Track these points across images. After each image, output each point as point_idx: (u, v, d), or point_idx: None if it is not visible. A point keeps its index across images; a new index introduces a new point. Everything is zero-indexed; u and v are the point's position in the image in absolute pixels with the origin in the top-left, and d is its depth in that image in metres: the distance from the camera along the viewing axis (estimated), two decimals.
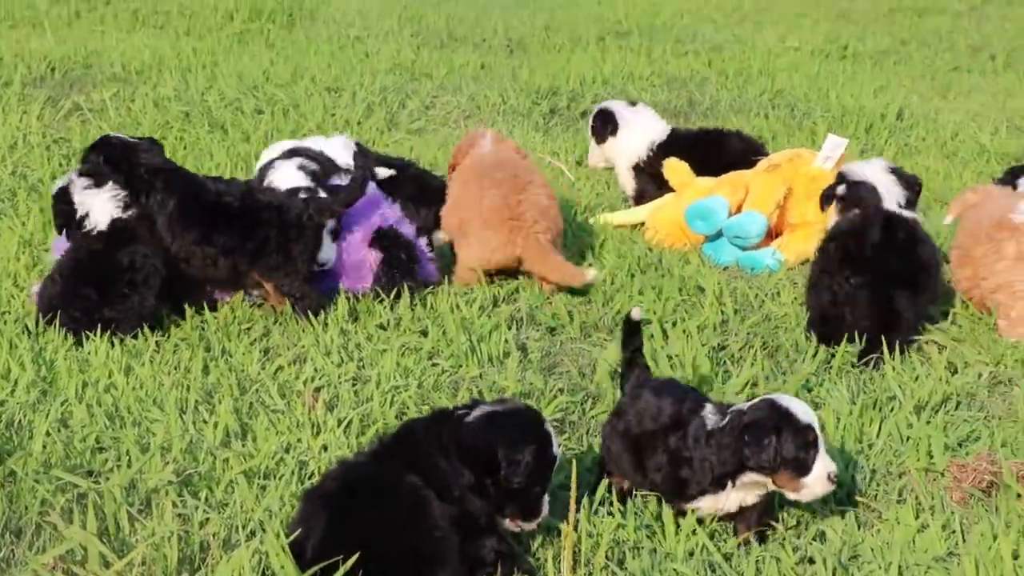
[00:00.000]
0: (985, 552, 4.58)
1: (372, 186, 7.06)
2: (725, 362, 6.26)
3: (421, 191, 7.71)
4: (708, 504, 4.64)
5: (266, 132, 9.87)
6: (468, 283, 7.10)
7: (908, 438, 5.52)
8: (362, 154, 6.91)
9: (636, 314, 5.08)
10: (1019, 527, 4.77)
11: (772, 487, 4.58)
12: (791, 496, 4.61)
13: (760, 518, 4.71)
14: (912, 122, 11.31)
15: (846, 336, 6.37)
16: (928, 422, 5.65)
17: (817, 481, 4.50)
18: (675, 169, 8.09)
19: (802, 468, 4.48)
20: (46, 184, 8.36)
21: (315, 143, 7.45)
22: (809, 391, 5.97)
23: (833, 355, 6.31)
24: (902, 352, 6.36)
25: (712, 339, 6.47)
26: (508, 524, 4.48)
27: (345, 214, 6.81)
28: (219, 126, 10.09)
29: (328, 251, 6.78)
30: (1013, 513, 4.91)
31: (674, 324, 6.56)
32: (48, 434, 5.19)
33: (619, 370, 5.26)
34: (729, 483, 4.56)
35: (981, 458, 5.23)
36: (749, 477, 4.55)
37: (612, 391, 5.84)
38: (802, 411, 4.51)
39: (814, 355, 6.30)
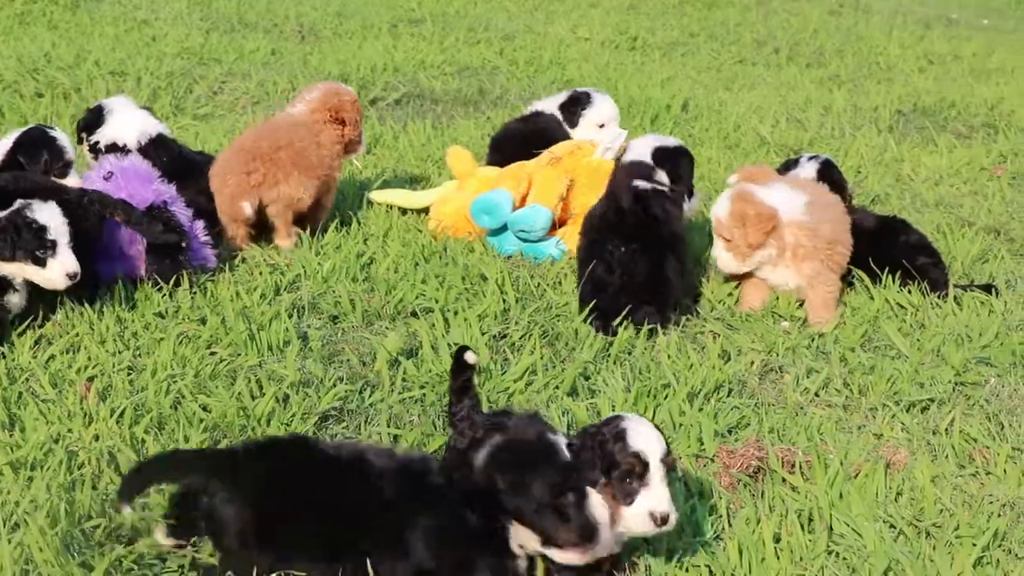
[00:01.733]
0: (748, 536, 4.71)
1: (143, 162, 7.01)
2: (505, 350, 6.31)
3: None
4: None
5: (45, 116, 9.67)
6: (233, 237, 7.46)
7: (680, 425, 5.64)
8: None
9: (471, 358, 4.70)
10: (781, 511, 4.92)
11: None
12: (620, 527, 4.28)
13: (613, 567, 4.49)
14: (697, 113, 11.53)
15: (623, 323, 6.53)
16: (700, 409, 5.78)
17: (637, 517, 4.22)
18: (458, 158, 8.13)
19: (622, 497, 4.22)
20: None
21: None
22: (587, 379, 6.05)
23: (611, 343, 6.41)
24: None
25: (493, 327, 6.51)
26: None
27: (118, 188, 6.76)
28: None
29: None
30: (777, 498, 5.06)
31: (456, 313, 6.59)
32: None
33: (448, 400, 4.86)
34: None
35: (749, 444, 5.39)
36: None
37: (389, 379, 5.85)
38: (640, 439, 4.22)
39: (591, 343, 6.38)
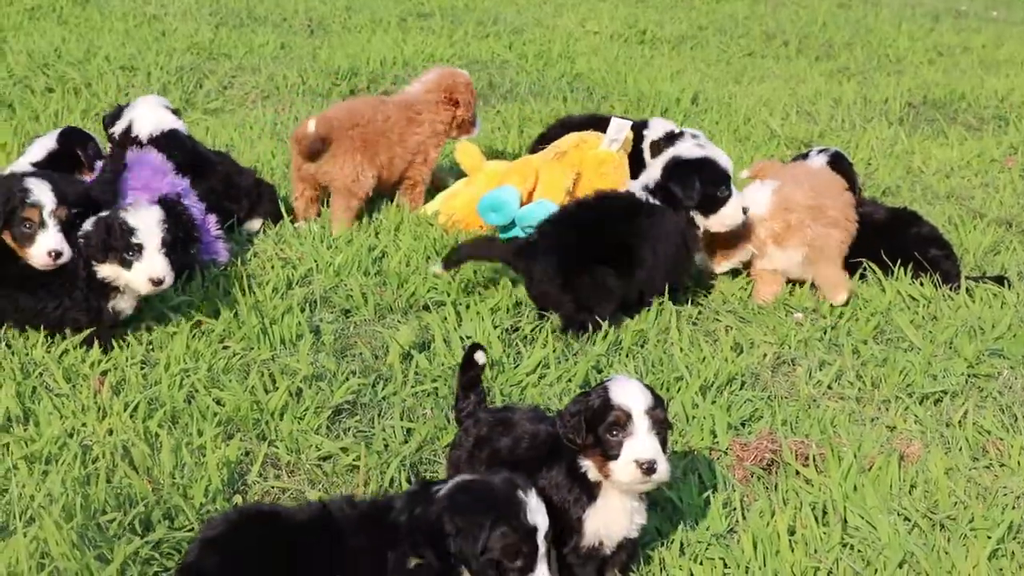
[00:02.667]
0: (762, 528, 4.71)
1: (157, 155, 7.01)
2: (517, 344, 6.30)
3: (227, 187, 7.61)
4: (597, 525, 4.31)
5: (56, 111, 9.66)
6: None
7: (693, 417, 5.64)
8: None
9: (480, 359, 4.74)
10: (795, 504, 4.92)
11: (595, 473, 4.27)
12: (612, 484, 4.24)
13: (629, 560, 4.48)
14: (706, 107, 11.51)
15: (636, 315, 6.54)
16: (713, 402, 5.78)
17: (623, 467, 4.14)
18: (467, 153, 8.12)
19: (608, 450, 4.18)
20: None
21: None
22: (599, 372, 6.04)
23: (623, 336, 6.41)
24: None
25: (505, 321, 6.52)
26: None
27: (132, 178, 6.76)
28: (6, 104, 9.84)
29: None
30: (790, 491, 5.05)
31: (468, 306, 6.59)
32: None
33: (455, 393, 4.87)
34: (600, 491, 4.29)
35: (762, 437, 5.38)
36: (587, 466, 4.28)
37: (402, 373, 5.85)
38: (622, 393, 4.19)
39: (604, 336, 6.38)
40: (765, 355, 6.39)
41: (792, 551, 4.63)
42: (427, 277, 6.97)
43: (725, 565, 4.59)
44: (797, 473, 5.20)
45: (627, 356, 6.27)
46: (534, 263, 6.58)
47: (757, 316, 6.89)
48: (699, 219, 6.94)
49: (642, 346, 6.41)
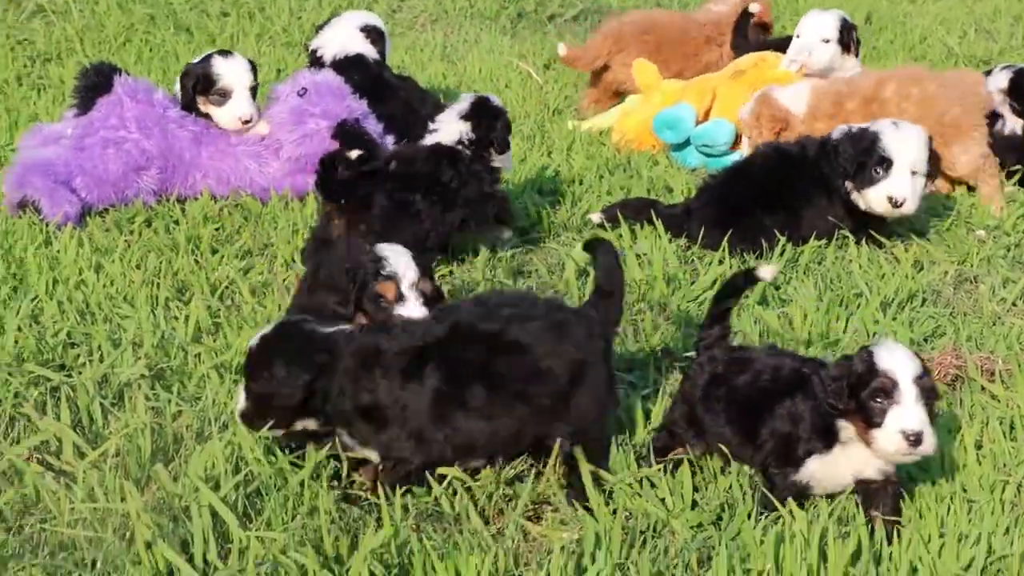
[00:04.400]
0: (950, 443, 4.64)
1: (336, 79, 7.05)
2: (693, 260, 6.30)
3: (407, 113, 7.54)
4: (817, 470, 4.24)
5: (232, 35, 9.82)
6: None
7: (874, 334, 5.57)
8: None
9: (766, 273, 4.60)
10: (982, 419, 4.83)
11: (855, 437, 4.14)
12: (872, 450, 4.11)
13: (893, 505, 4.27)
14: (880, 25, 11.28)
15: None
16: (894, 318, 5.71)
17: (888, 436, 4.00)
18: (644, 70, 8.06)
19: (871, 417, 4.04)
20: (11, 86, 8.36)
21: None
22: (776, 288, 5.99)
23: (801, 253, 6.36)
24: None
25: (680, 239, 6.50)
26: None
27: (312, 104, 6.86)
28: (184, 28, 10.01)
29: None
30: (977, 406, 4.97)
31: (642, 225, 6.58)
32: (20, 329, 5.23)
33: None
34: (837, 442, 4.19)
35: (947, 353, 5.29)
36: (842, 426, 4.17)
37: (579, 290, 5.87)
38: (889, 358, 4.05)
39: (781, 253, 6.33)
40: (946, 272, 6.29)
41: (979, 465, 4.56)
42: (601, 195, 6.98)
43: (911, 477, 4.53)
44: (983, 389, 5.11)
45: (804, 273, 6.22)
46: (691, 227, 6.57)
47: (936, 235, 6.77)
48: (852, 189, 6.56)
49: (820, 263, 6.35)
